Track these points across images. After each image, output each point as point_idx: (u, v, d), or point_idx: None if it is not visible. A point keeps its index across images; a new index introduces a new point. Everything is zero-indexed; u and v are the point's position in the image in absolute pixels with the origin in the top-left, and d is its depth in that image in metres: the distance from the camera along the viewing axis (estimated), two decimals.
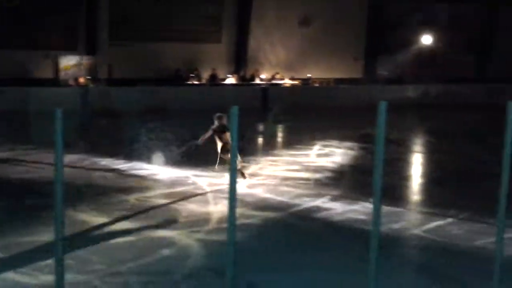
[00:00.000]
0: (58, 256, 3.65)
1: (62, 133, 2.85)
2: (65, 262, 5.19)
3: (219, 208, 9.79)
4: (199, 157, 14.08)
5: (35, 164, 13.09)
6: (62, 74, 25.47)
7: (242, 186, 11.27)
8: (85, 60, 25.86)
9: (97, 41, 26.53)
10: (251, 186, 11.47)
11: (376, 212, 3.89)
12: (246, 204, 10.26)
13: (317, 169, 13.13)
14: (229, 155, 11.59)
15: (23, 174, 12.37)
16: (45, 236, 8.00)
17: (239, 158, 11.14)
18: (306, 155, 15.16)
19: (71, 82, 24.69)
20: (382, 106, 2.77)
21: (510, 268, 4.11)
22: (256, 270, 7.13)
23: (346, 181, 12.08)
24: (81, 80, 24.54)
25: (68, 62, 25.65)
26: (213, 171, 12.10)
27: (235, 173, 3.16)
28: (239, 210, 9.78)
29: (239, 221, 8.92)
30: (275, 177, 12.38)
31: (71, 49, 26.00)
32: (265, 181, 11.96)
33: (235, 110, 2.66)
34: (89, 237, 8.33)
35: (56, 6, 25.52)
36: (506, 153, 4.08)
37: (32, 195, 10.44)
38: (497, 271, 3.94)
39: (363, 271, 5.76)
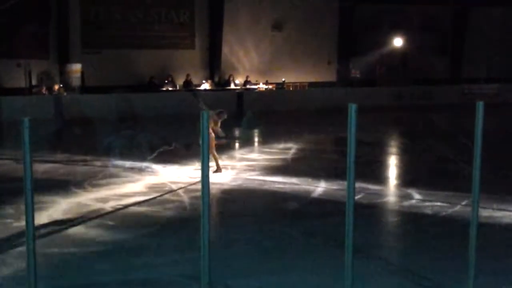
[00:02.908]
0: (30, 267, 3.63)
1: (30, 142, 2.83)
2: (40, 274, 5.13)
3: (196, 214, 9.76)
4: (174, 162, 14.09)
5: (5, 175, 12.95)
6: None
7: (219, 192, 11.28)
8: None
9: (69, 49, 26.35)
10: (228, 192, 11.47)
11: (350, 214, 3.94)
12: (224, 210, 10.26)
13: (293, 174, 13.15)
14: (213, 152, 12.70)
15: None
16: (20, 247, 7.92)
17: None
18: (282, 159, 15.20)
19: (43, 90, 24.50)
20: (352, 108, 2.81)
21: None
22: (235, 275, 7.12)
23: (323, 184, 12.11)
24: (56, 87, 24.37)
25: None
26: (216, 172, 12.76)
27: (207, 179, 3.17)
28: (217, 216, 9.79)
29: (217, 227, 8.93)
30: (252, 181, 12.40)
31: (43, 58, 25.80)
32: (242, 186, 11.97)
33: (205, 115, 2.67)
34: (66, 247, 8.24)
35: (27, 14, 25.31)
36: (476, 147, 4.16)
37: (4, 205, 10.32)
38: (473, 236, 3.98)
39: (340, 275, 5.79)
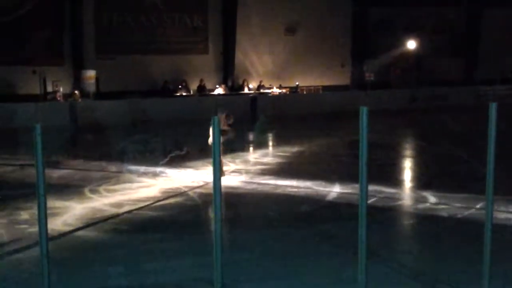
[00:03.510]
0: (44, 272, 3.65)
1: (43, 148, 2.85)
2: (54, 278, 5.17)
3: (209, 218, 9.76)
4: (188, 166, 14.12)
5: (22, 180, 13.01)
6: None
7: (232, 196, 11.27)
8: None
9: (84, 56, 26.50)
10: (241, 196, 11.47)
11: (363, 217, 3.92)
12: (237, 214, 10.25)
13: (307, 177, 13.11)
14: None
15: (10, 190, 12.26)
16: (34, 252, 7.95)
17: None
18: (296, 163, 15.17)
19: (58, 96, 24.63)
20: (364, 111, 2.80)
21: None
22: (247, 279, 7.11)
23: (337, 188, 12.07)
24: (73, 93, 24.47)
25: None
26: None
27: (219, 183, 3.17)
28: (230, 220, 9.78)
29: (230, 232, 8.92)
30: (265, 185, 12.38)
31: (58, 64, 25.96)
32: (255, 190, 11.96)
33: (215, 120, 2.67)
34: (80, 251, 8.27)
35: (41, 21, 25.49)
36: (490, 148, 4.13)
37: (19, 211, 10.37)
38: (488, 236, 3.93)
39: (354, 278, 5.76)
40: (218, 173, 3.22)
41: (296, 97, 28.48)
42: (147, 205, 10.80)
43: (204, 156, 14.02)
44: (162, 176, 13.33)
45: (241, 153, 16.04)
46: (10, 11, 25.20)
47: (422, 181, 13.12)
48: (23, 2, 25.37)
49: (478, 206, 10.17)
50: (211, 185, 11.76)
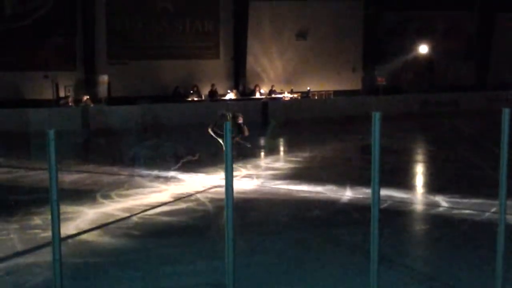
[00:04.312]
0: (57, 277, 3.67)
1: (56, 153, 2.86)
2: (67, 283, 5.17)
3: (221, 223, 9.76)
4: (200, 171, 14.13)
5: (34, 185, 13.07)
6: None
7: (244, 201, 11.26)
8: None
9: (95, 60, 26.61)
10: (253, 201, 11.46)
11: (375, 222, 3.91)
12: (249, 219, 10.24)
13: (318, 182, 13.08)
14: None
15: (22, 195, 12.32)
16: (47, 257, 7.98)
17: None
18: (308, 168, 15.15)
19: (70, 101, 24.74)
20: (376, 116, 2.81)
21: None
22: (258, 285, 7.11)
23: (349, 193, 12.04)
24: (84, 98, 24.59)
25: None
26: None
27: (231, 189, 3.17)
28: (241, 225, 9.79)
29: (241, 237, 8.91)
30: (277, 190, 12.37)
31: (70, 69, 26.09)
32: (267, 195, 11.96)
33: (228, 125, 2.68)
34: (93, 256, 8.29)
35: (53, 26, 25.65)
36: (503, 154, 4.11)
37: (31, 216, 10.42)
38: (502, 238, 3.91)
39: (365, 284, 5.74)
40: (231, 178, 3.22)
41: (307, 102, 28.41)
42: (159, 210, 10.82)
43: (215, 161, 14.03)
44: (174, 181, 13.35)
45: (252, 158, 16.03)
46: (22, 17, 25.36)
47: (434, 186, 13.06)
48: (35, 8, 25.53)
49: (490, 212, 10.12)
50: (223, 190, 11.82)
